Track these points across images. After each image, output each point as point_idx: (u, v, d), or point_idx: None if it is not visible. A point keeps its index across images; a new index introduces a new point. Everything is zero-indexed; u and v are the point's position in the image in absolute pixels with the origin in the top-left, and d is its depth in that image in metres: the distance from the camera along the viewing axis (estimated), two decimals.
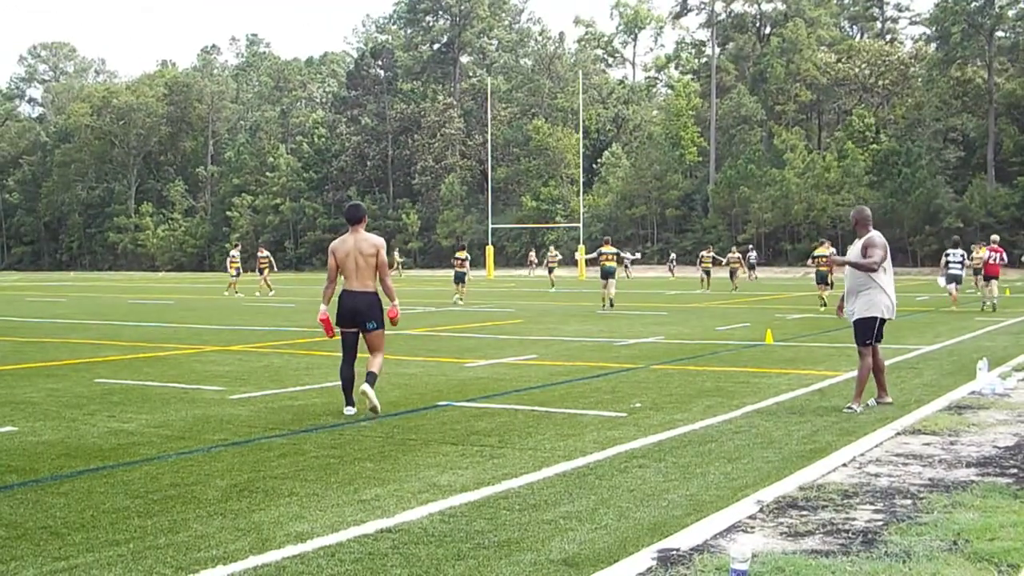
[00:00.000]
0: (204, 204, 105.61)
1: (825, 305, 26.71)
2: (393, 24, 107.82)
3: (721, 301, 32.07)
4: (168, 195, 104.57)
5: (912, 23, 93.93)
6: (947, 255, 28.20)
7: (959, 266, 27.76)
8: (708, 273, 42.22)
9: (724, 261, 44.63)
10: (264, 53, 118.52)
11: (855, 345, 10.26)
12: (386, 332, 10.39)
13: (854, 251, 10.31)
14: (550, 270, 47.31)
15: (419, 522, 5.90)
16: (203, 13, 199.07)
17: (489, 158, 77.44)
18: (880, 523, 5.78)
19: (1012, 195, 64.81)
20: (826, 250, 28.97)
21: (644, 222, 79.76)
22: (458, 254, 32.87)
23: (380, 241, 10.15)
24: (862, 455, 7.72)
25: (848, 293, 10.33)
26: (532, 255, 70.32)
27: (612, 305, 28.19)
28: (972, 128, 72.62)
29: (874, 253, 10.08)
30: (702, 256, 44.26)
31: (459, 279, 31.80)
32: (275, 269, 42.79)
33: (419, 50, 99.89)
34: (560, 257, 47.55)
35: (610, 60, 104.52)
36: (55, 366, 14.31)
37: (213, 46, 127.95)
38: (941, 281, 28.70)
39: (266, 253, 40.96)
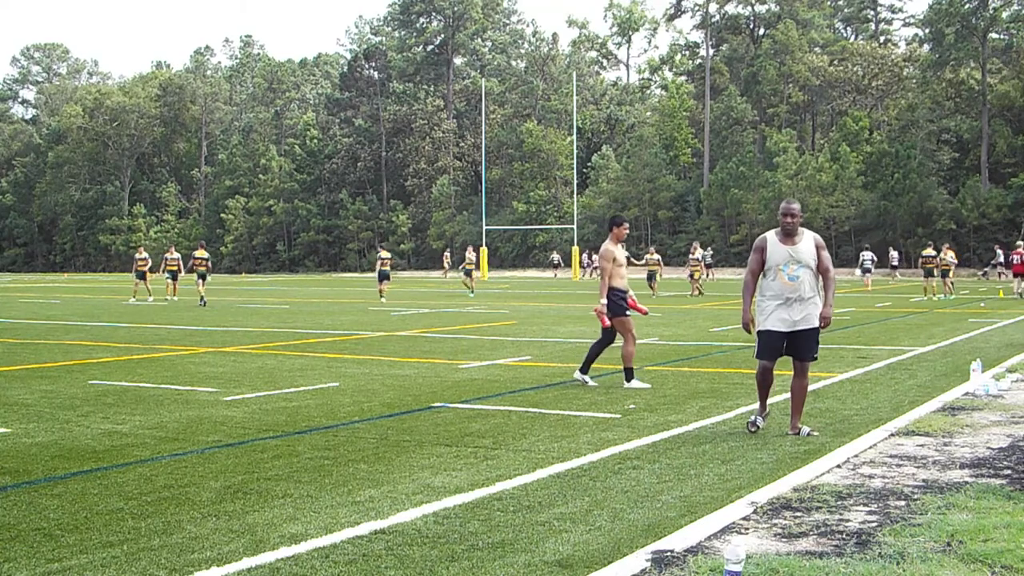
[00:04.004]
0: (197, 206, 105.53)
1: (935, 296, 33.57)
2: (386, 26, 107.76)
3: (714, 303, 32.09)
4: (161, 197, 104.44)
5: (905, 24, 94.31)
6: (862, 256, 43.08)
7: (870, 262, 42.31)
8: (692, 276, 38.64)
9: (642, 262, 39.24)
10: (257, 54, 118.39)
11: (805, 361, 8.88)
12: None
13: (806, 252, 8.79)
14: (467, 272, 41.14)
15: (413, 523, 5.90)
16: (197, 14, 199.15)
17: (483, 160, 77.48)
18: (874, 524, 5.78)
19: (1005, 196, 64.86)
20: (946, 253, 36.16)
21: (637, 223, 79.78)
22: (383, 254, 35.07)
23: (602, 250, 12.05)
24: (856, 456, 7.73)
25: (794, 300, 8.72)
26: (585, 258, 67.54)
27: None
28: (966, 130, 72.69)
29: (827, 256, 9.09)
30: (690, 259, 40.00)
31: (383, 277, 34.06)
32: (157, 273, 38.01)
33: (412, 52, 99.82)
34: (475, 260, 42.99)
35: (604, 62, 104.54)
36: (49, 367, 14.29)
37: (206, 47, 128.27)
38: (857, 272, 44.96)
39: (176, 255, 37.41)
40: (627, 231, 12.49)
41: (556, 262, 70.78)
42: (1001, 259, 52.60)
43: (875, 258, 43.68)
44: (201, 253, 34.65)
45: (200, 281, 33.44)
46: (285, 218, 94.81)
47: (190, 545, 5.50)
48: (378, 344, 17.85)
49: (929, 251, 35.36)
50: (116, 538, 5.66)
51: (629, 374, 11.93)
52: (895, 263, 52.44)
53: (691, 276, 38.87)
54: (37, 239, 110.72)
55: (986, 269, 55.25)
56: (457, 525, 5.86)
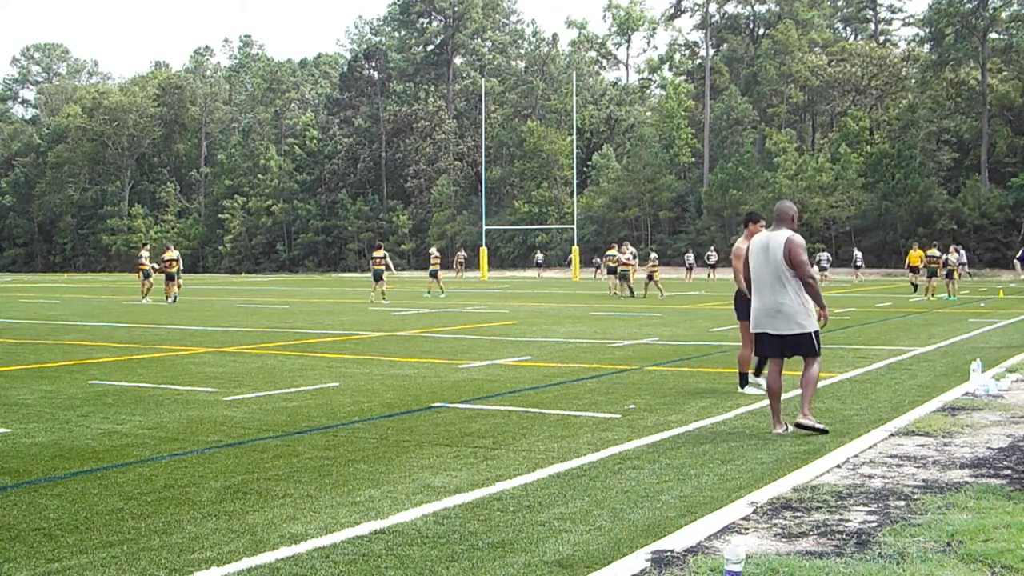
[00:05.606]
0: (197, 206, 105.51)
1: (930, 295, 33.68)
2: (386, 26, 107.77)
3: (715, 303, 32.08)
4: (161, 197, 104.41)
5: (905, 24, 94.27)
6: (819, 255, 49.23)
7: (826, 261, 48.44)
8: (624, 277, 35.86)
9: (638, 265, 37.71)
10: (257, 54, 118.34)
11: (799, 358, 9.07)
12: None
13: None
14: (432, 274, 39.50)
15: (413, 523, 5.90)
16: (196, 14, 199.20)
17: (483, 160, 77.49)
18: (874, 524, 5.78)
19: (1006, 196, 64.85)
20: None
21: (638, 223, 79.78)
22: (375, 253, 33.93)
23: (735, 247, 11.25)
24: (856, 456, 7.73)
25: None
26: (598, 259, 66.59)
27: (615, 294, 35.75)
28: (966, 130, 72.67)
29: None
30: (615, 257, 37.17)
31: (377, 277, 32.80)
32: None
33: (412, 52, 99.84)
34: (439, 258, 41.55)
35: (604, 62, 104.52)
36: (49, 368, 14.29)
37: (206, 47, 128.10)
38: (815, 269, 51.11)
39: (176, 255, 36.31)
40: (763, 228, 11.04)
41: (539, 262, 71.49)
42: (964, 259, 53.41)
43: (831, 257, 50.55)
44: (171, 254, 35.48)
45: (170, 282, 34.40)
46: (285, 218, 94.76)
47: (190, 545, 5.50)
48: (378, 344, 17.85)
49: (934, 251, 35.37)
50: (116, 538, 5.66)
51: (743, 379, 11.36)
52: (859, 263, 55.91)
53: (649, 278, 36.72)
54: (37, 239, 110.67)
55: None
56: (457, 525, 5.85)
